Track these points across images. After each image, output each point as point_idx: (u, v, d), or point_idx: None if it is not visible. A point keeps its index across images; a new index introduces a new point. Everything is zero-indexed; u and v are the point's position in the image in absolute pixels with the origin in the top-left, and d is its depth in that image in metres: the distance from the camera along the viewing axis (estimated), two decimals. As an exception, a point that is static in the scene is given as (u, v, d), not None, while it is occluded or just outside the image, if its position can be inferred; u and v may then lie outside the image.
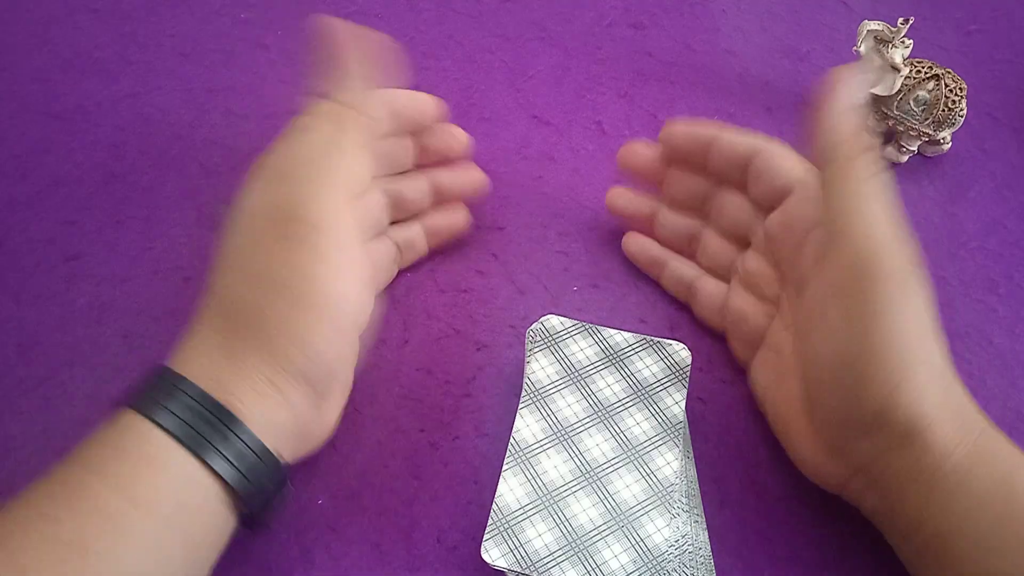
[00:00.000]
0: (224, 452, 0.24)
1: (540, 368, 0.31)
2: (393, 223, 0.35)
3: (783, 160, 0.31)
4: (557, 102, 0.44)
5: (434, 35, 0.47)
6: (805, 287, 0.28)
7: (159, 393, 0.24)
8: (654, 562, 0.26)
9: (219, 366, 0.25)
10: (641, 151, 0.35)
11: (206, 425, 0.23)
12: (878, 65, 0.39)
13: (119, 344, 0.34)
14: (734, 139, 0.32)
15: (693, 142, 0.33)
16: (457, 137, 0.35)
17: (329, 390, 0.28)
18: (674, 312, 0.36)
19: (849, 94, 0.28)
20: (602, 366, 0.31)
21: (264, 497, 0.25)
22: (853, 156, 0.27)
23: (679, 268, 0.35)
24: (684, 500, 0.29)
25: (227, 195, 0.39)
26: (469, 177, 0.36)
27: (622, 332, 0.32)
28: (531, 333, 0.32)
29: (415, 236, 0.35)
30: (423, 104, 0.33)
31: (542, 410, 0.30)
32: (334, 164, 0.28)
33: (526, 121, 0.43)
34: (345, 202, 0.27)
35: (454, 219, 0.36)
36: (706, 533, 0.29)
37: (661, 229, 0.36)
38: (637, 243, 0.36)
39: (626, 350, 0.31)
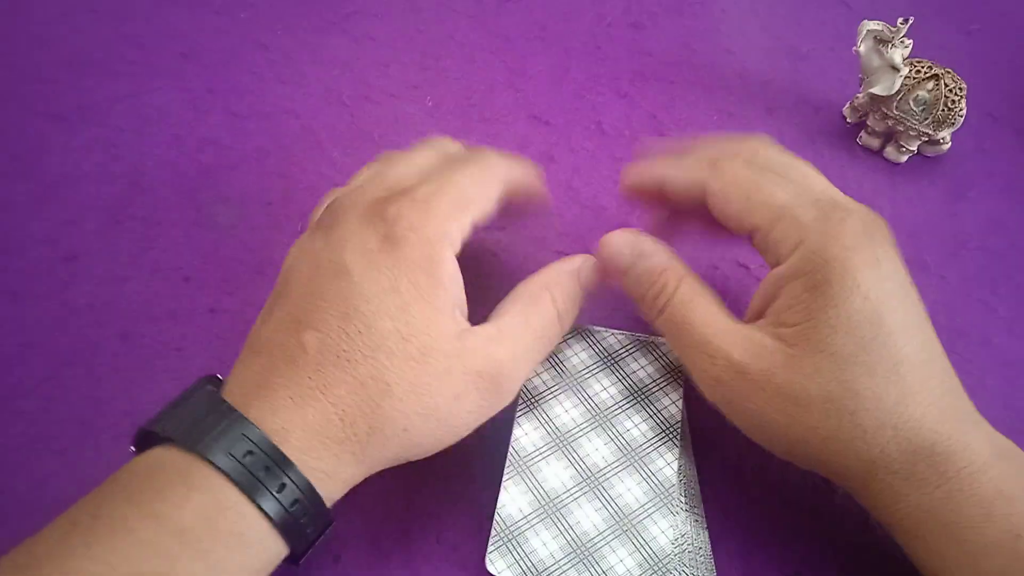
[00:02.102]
0: (275, 494, 0.23)
1: (535, 375, 0.31)
2: None
3: (731, 206, 0.28)
4: (557, 102, 0.44)
5: (434, 35, 0.47)
6: None
7: (224, 438, 0.22)
8: (660, 564, 0.26)
9: (331, 463, 0.24)
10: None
11: (268, 474, 0.22)
12: (878, 65, 0.39)
13: (119, 344, 0.34)
14: (679, 181, 0.30)
15: (649, 184, 0.31)
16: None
17: None
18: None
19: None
20: (597, 369, 0.31)
21: (309, 537, 0.24)
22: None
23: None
24: (684, 499, 0.29)
25: (227, 194, 0.39)
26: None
27: (615, 332, 0.32)
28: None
29: None
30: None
31: (539, 417, 0.30)
32: (544, 350, 0.29)
33: (526, 121, 0.43)
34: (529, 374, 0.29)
35: None
36: (706, 532, 0.29)
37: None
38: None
39: (620, 351, 0.31)
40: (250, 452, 0.22)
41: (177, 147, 0.41)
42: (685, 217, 0.33)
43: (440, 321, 0.25)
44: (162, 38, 0.46)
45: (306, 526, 0.23)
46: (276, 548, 0.23)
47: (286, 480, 0.23)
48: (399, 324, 0.25)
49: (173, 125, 0.42)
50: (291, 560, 0.25)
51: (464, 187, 0.27)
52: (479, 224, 0.28)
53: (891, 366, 0.25)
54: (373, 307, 0.25)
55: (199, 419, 0.23)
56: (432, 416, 0.25)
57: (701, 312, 0.27)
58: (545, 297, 0.28)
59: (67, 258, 0.36)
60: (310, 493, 0.23)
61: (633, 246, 0.29)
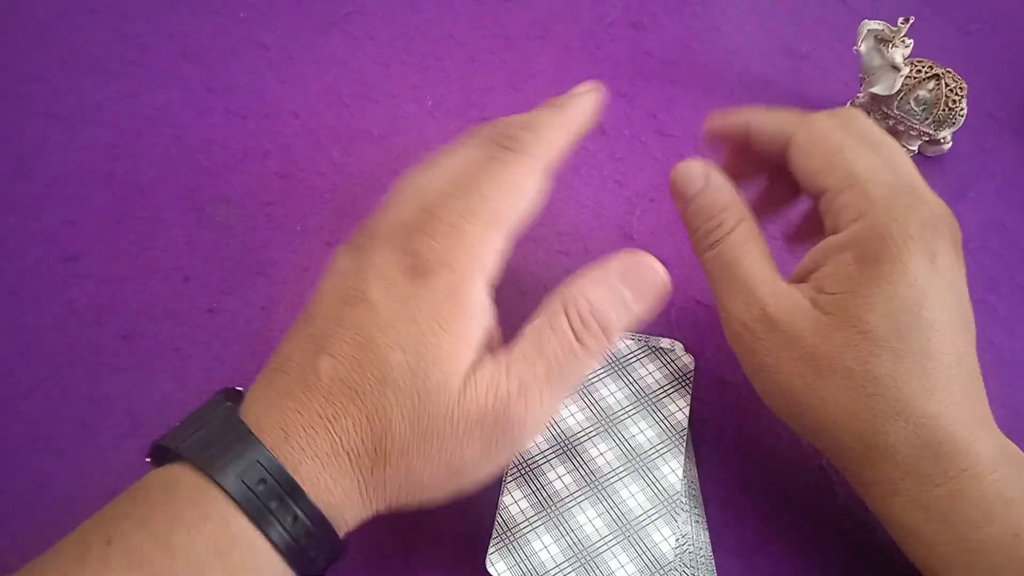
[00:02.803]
0: (286, 525, 0.22)
1: None
2: None
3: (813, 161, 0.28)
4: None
5: (434, 35, 0.47)
6: None
7: (238, 462, 0.22)
8: (662, 571, 0.26)
9: (339, 495, 0.23)
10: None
11: (281, 505, 0.22)
12: (878, 64, 0.39)
13: (119, 344, 0.34)
14: (766, 127, 0.29)
15: (733, 129, 0.31)
16: None
17: None
18: (675, 312, 0.36)
19: None
20: (604, 374, 0.31)
21: (318, 567, 0.24)
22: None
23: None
24: (685, 500, 0.29)
25: (227, 194, 0.39)
26: None
27: (624, 337, 0.32)
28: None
29: None
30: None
31: None
32: (566, 392, 0.25)
33: (526, 121, 0.43)
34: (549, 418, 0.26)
35: None
36: (707, 533, 0.29)
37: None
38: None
39: (628, 356, 0.31)
40: (263, 480, 0.22)
41: (177, 147, 0.41)
42: (756, 170, 0.31)
43: (456, 354, 0.23)
44: (162, 38, 0.46)
45: (316, 558, 0.23)
46: (281, 570, 0.23)
47: (298, 512, 0.22)
48: (409, 356, 0.23)
49: (173, 125, 0.42)
50: None
51: (495, 201, 0.25)
52: (518, 232, 0.26)
53: (920, 359, 0.24)
54: (388, 338, 0.23)
55: (215, 439, 0.23)
56: (434, 460, 0.23)
57: (750, 258, 0.27)
58: (561, 317, 0.24)
59: (67, 258, 0.36)
60: (320, 523, 0.23)
61: (705, 175, 0.28)
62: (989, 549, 0.23)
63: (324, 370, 0.23)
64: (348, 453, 0.23)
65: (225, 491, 0.21)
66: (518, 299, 0.36)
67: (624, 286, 0.25)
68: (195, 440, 0.23)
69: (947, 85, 0.39)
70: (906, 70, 0.39)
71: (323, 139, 0.42)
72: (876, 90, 0.39)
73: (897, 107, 0.40)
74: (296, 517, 0.22)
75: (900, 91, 0.39)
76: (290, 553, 0.22)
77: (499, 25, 0.48)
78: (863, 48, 0.39)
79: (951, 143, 0.42)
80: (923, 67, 0.39)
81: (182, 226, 0.38)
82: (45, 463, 0.31)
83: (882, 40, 0.39)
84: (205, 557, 0.21)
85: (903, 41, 0.38)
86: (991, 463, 0.24)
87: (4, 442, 0.31)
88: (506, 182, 0.25)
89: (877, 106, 0.41)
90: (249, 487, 0.22)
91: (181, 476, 0.22)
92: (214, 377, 0.33)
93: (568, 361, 0.24)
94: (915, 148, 0.41)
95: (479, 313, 0.24)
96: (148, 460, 0.24)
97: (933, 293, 0.25)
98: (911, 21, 0.38)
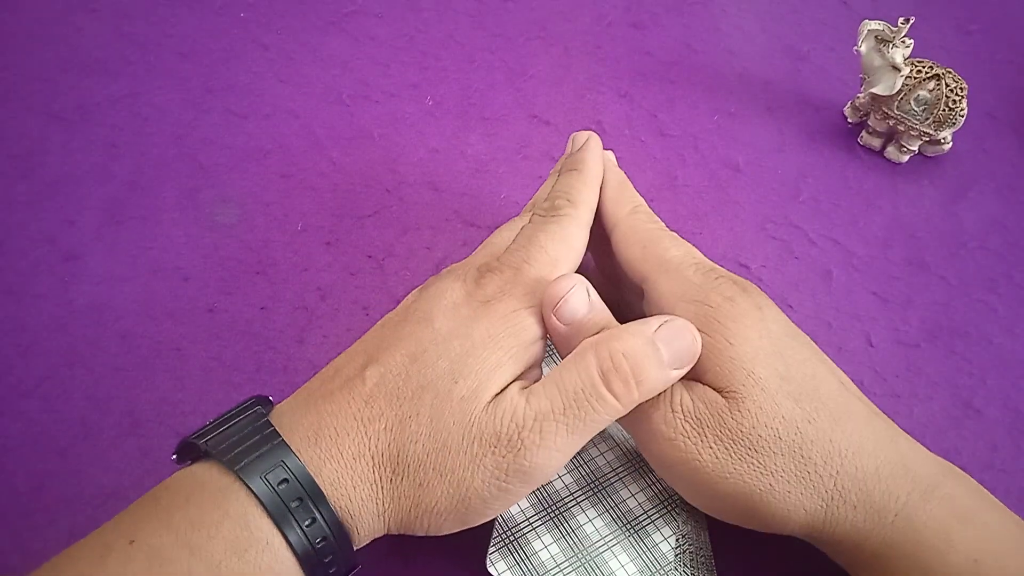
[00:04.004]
0: (304, 527, 0.22)
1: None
2: None
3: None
4: (557, 102, 0.44)
5: (434, 35, 0.47)
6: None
7: (262, 462, 0.22)
8: (662, 571, 0.26)
9: (357, 504, 0.24)
10: None
11: (300, 506, 0.22)
12: (879, 64, 0.39)
13: (118, 344, 0.34)
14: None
15: None
16: None
17: None
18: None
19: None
20: None
21: (334, 571, 0.24)
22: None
23: None
24: (685, 501, 0.29)
25: (227, 194, 0.39)
26: None
27: None
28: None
29: None
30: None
31: None
32: (585, 437, 0.25)
33: (526, 121, 0.43)
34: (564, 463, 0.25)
35: None
36: (706, 533, 0.29)
37: None
38: None
39: None
40: (285, 480, 0.22)
41: (177, 147, 0.41)
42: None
43: (497, 368, 0.24)
44: (162, 38, 0.46)
45: (330, 566, 0.23)
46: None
47: (316, 515, 0.22)
48: (455, 366, 0.24)
49: (173, 125, 0.42)
50: None
51: (551, 250, 0.27)
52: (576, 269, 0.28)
53: (812, 393, 0.25)
54: (440, 349, 0.24)
55: (241, 439, 0.23)
56: (447, 478, 0.23)
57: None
58: (588, 356, 0.24)
59: (67, 258, 0.36)
60: (337, 529, 0.23)
61: (589, 303, 0.26)
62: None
63: (370, 376, 0.24)
64: (373, 457, 0.23)
65: (247, 487, 0.22)
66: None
67: (662, 344, 0.24)
68: (221, 439, 0.23)
69: (947, 85, 0.39)
70: (906, 70, 0.39)
71: (323, 139, 0.42)
72: (876, 90, 0.39)
73: (897, 107, 0.40)
74: (314, 520, 0.22)
75: (900, 91, 0.39)
76: (305, 557, 0.22)
77: (499, 25, 0.48)
78: (863, 48, 0.39)
79: (951, 143, 0.42)
80: (923, 67, 0.39)
81: (182, 226, 0.38)
82: (45, 463, 0.31)
83: (882, 40, 0.39)
84: (223, 557, 0.21)
85: (903, 41, 0.38)
86: (931, 479, 0.24)
87: (4, 442, 0.31)
88: (558, 235, 0.28)
89: (877, 106, 0.41)
90: (271, 486, 0.22)
91: (205, 476, 0.23)
92: (214, 377, 0.33)
93: (589, 402, 0.24)
94: (915, 148, 0.41)
95: (529, 339, 0.25)
96: (173, 457, 0.25)
97: (782, 335, 0.26)
98: (911, 21, 0.38)
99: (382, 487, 0.24)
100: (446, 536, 0.29)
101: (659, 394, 0.25)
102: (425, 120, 0.43)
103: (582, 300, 0.25)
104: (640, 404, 0.25)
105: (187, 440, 0.24)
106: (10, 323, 0.34)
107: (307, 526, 0.22)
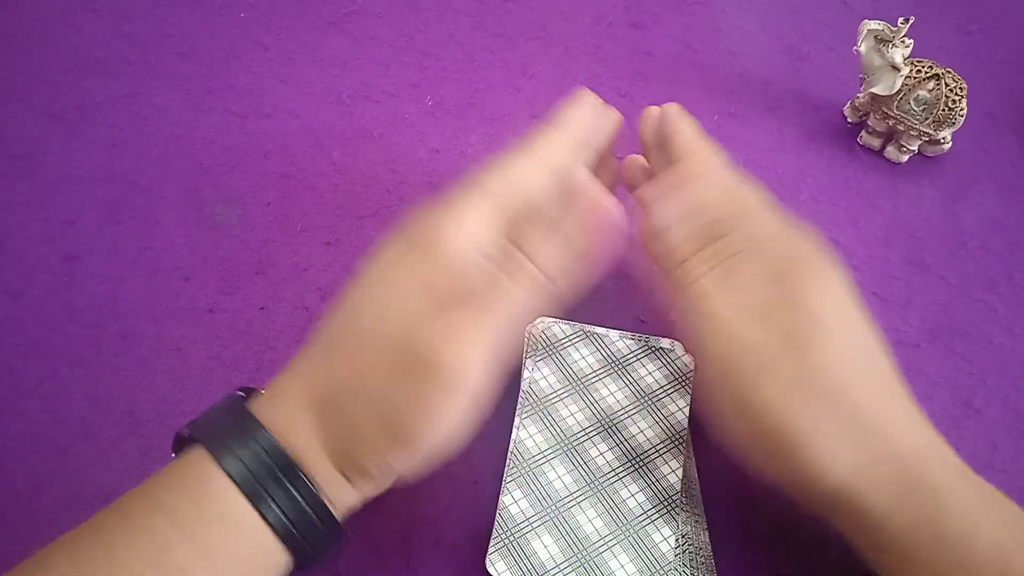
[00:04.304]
0: (283, 507, 0.23)
1: (542, 377, 0.31)
2: None
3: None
4: (557, 101, 0.44)
5: (434, 35, 0.47)
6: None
7: (235, 439, 0.23)
8: (661, 571, 0.26)
9: (304, 447, 0.24)
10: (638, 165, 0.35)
11: (272, 480, 0.23)
12: (878, 64, 0.39)
13: (118, 344, 0.34)
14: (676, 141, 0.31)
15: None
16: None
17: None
18: (675, 312, 0.36)
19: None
20: (604, 374, 0.31)
21: (319, 551, 0.24)
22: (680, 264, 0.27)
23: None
24: (684, 500, 0.29)
25: (227, 194, 0.39)
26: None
27: (624, 337, 0.32)
28: (531, 336, 0.31)
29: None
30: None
31: (545, 420, 0.30)
32: (505, 335, 0.25)
33: (526, 121, 0.43)
34: (494, 369, 0.25)
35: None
36: (706, 533, 0.29)
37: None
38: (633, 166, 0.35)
39: (628, 356, 0.31)
40: (254, 453, 0.23)
41: (177, 147, 0.41)
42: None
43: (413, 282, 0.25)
44: (162, 38, 0.46)
45: (311, 529, 0.23)
46: (277, 550, 0.23)
47: (287, 486, 0.23)
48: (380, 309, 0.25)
49: (173, 125, 0.42)
50: (302, 568, 0.25)
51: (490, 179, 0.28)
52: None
53: (872, 365, 0.26)
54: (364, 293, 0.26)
55: (219, 421, 0.24)
56: (362, 397, 0.24)
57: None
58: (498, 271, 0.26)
59: (67, 258, 0.36)
60: (279, 456, 0.23)
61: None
62: (977, 564, 0.23)
63: (327, 328, 0.26)
64: (310, 398, 0.24)
65: (222, 467, 0.23)
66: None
67: (566, 220, 0.25)
68: (204, 424, 0.24)
69: (947, 85, 0.39)
70: (906, 70, 0.39)
71: (323, 139, 0.42)
72: (876, 90, 0.39)
73: (897, 107, 0.40)
74: (288, 492, 0.23)
75: (900, 91, 0.39)
76: (277, 525, 0.23)
77: (499, 25, 0.48)
78: (863, 48, 0.39)
79: (951, 143, 0.42)
80: (923, 67, 0.39)
81: (182, 226, 0.38)
82: (45, 463, 0.31)
83: (882, 40, 0.39)
84: (199, 516, 0.22)
85: (903, 41, 0.38)
86: (959, 471, 0.25)
87: (4, 442, 0.31)
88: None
89: (877, 106, 0.41)
90: (245, 464, 0.23)
91: (194, 459, 0.23)
92: (214, 377, 0.33)
93: (493, 293, 0.25)
94: (915, 148, 0.41)
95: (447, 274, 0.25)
96: (172, 456, 0.25)
97: (853, 303, 0.26)
98: (911, 21, 0.38)
99: (320, 428, 0.24)
100: (446, 536, 0.29)
101: (731, 318, 0.26)
102: (425, 120, 0.43)
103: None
104: (707, 330, 0.26)
105: (178, 434, 0.25)
106: (10, 323, 0.34)
107: (278, 492, 0.23)
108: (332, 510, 0.24)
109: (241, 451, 0.23)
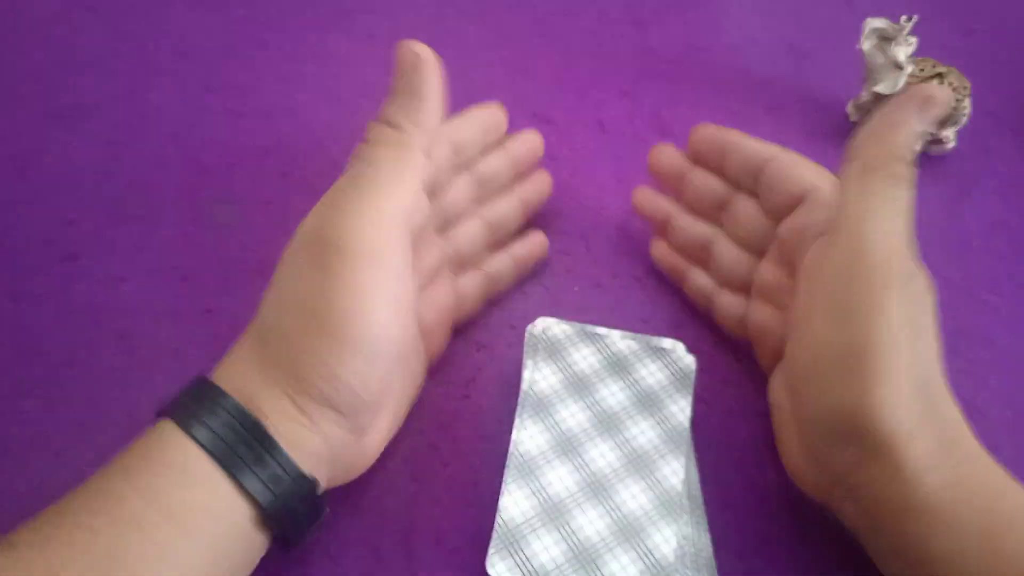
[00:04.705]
0: (257, 472, 0.23)
1: (543, 378, 0.31)
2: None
3: (796, 167, 0.30)
4: (558, 100, 0.44)
5: (434, 33, 0.47)
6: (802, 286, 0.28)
7: (199, 407, 0.24)
8: (663, 573, 0.26)
9: (254, 387, 0.25)
10: (669, 153, 0.35)
11: (242, 445, 0.23)
12: (882, 63, 0.39)
13: (118, 344, 0.34)
14: (750, 144, 0.32)
15: (713, 144, 0.33)
16: (533, 146, 0.36)
17: (368, 422, 0.27)
18: (676, 312, 0.36)
19: (919, 118, 0.27)
20: (606, 374, 0.31)
21: (296, 519, 0.25)
22: (880, 164, 0.26)
23: (699, 279, 0.34)
24: (686, 502, 0.28)
25: (226, 194, 0.39)
26: (539, 187, 0.36)
27: (625, 337, 0.32)
28: (531, 336, 0.31)
29: (504, 267, 0.35)
30: (488, 126, 0.34)
31: (545, 420, 0.30)
32: (383, 193, 0.27)
33: (527, 120, 0.43)
34: (390, 231, 0.27)
35: (535, 246, 0.36)
36: (708, 535, 0.29)
37: (676, 233, 0.35)
38: (661, 250, 0.36)
39: (629, 357, 0.31)
40: (217, 415, 0.24)
41: (176, 146, 0.41)
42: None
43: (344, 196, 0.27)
44: (161, 37, 0.46)
45: (276, 482, 0.24)
46: (245, 511, 0.24)
47: (261, 452, 0.24)
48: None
49: (173, 124, 0.42)
50: (283, 545, 0.25)
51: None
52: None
53: (927, 334, 0.26)
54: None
55: (184, 393, 0.25)
56: (285, 300, 0.26)
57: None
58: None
59: (66, 258, 0.36)
60: (241, 413, 0.24)
61: None
62: (1015, 521, 0.23)
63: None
64: (252, 345, 0.26)
65: (189, 434, 0.24)
66: (519, 298, 0.36)
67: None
68: (171, 400, 0.25)
69: (950, 84, 0.38)
70: (909, 69, 0.38)
71: (323, 139, 0.42)
72: (879, 89, 0.39)
73: (900, 106, 0.40)
74: (261, 457, 0.24)
75: (903, 90, 0.39)
76: (252, 488, 0.24)
77: (499, 24, 0.48)
78: (866, 46, 0.39)
79: (954, 142, 0.41)
80: (926, 66, 0.39)
81: (181, 226, 0.38)
82: (45, 463, 0.31)
83: (885, 38, 0.39)
84: (170, 486, 0.23)
85: (906, 39, 0.38)
86: (976, 441, 0.25)
87: (4, 442, 0.31)
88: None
89: (880, 105, 0.41)
90: (213, 430, 0.24)
91: (160, 429, 0.24)
92: (213, 377, 0.33)
93: (368, 167, 0.28)
94: (918, 147, 0.41)
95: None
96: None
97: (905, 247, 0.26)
98: (914, 19, 0.38)
99: (259, 365, 0.25)
100: (446, 536, 0.29)
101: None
102: (425, 119, 0.43)
103: None
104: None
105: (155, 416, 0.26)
106: (10, 323, 0.34)
107: (254, 466, 0.24)
108: (298, 464, 0.24)
109: (209, 419, 0.24)
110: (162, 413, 0.25)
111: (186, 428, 0.23)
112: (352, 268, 0.25)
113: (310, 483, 0.25)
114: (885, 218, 0.25)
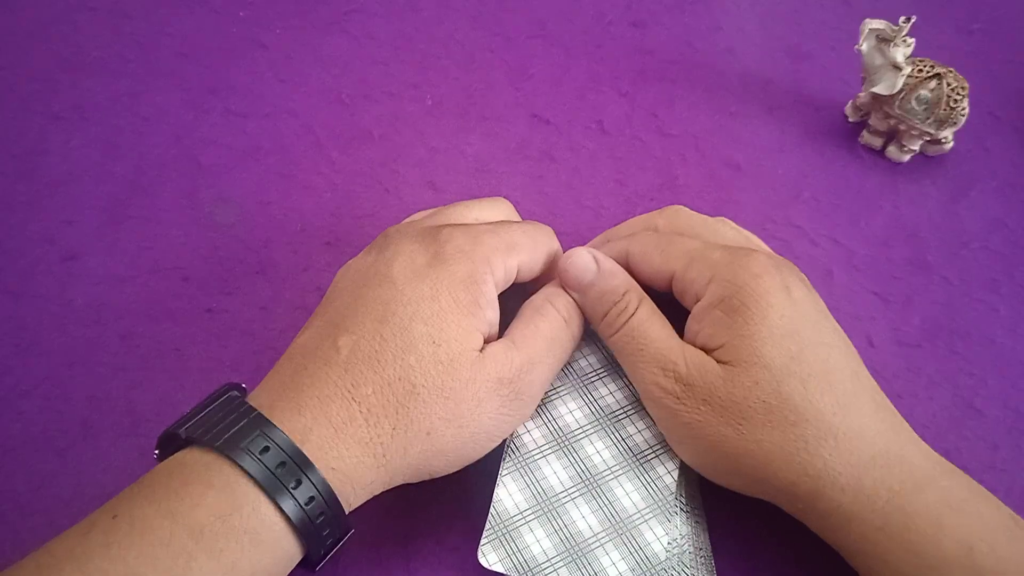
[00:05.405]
0: (291, 491, 0.23)
1: None
2: None
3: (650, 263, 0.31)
4: (557, 101, 0.44)
5: (434, 35, 0.47)
6: None
7: (242, 436, 0.23)
8: (653, 570, 0.26)
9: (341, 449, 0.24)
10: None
11: (284, 470, 0.23)
12: (880, 64, 0.39)
13: (118, 344, 0.34)
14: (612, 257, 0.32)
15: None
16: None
17: None
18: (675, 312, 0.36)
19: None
20: (604, 372, 0.31)
21: (325, 541, 0.24)
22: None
23: None
24: (683, 500, 0.29)
25: (226, 194, 0.39)
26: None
27: None
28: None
29: None
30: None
31: (543, 416, 0.30)
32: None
33: (526, 120, 0.43)
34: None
35: None
36: (707, 533, 0.29)
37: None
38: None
39: None
40: (267, 448, 0.23)
41: (177, 147, 0.41)
42: None
43: (471, 334, 0.26)
44: (161, 37, 0.46)
45: (322, 528, 0.24)
46: (291, 549, 0.23)
47: (303, 478, 0.23)
48: (432, 329, 0.26)
49: (173, 125, 0.42)
50: (307, 565, 0.25)
51: (515, 236, 0.29)
52: (524, 273, 0.30)
53: (822, 376, 0.26)
54: (410, 311, 0.26)
55: (219, 420, 0.24)
56: (454, 421, 0.26)
57: (655, 329, 0.28)
58: (548, 307, 0.30)
59: (67, 258, 0.36)
60: (327, 493, 0.23)
61: (595, 262, 0.30)
62: (948, 564, 0.23)
63: (344, 346, 0.25)
64: (366, 419, 0.24)
65: (230, 460, 0.22)
66: (521, 297, 0.36)
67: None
68: (200, 423, 0.24)
69: (948, 84, 0.39)
70: (907, 69, 0.39)
71: (323, 138, 0.42)
72: (877, 89, 0.39)
73: (898, 107, 0.40)
74: (300, 482, 0.23)
75: (901, 90, 0.39)
76: (296, 519, 0.23)
77: (499, 25, 0.48)
78: (864, 47, 0.39)
79: (952, 143, 0.42)
80: (924, 66, 0.39)
81: (182, 226, 0.38)
82: (45, 463, 0.31)
83: (883, 39, 0.39)
84: (207, 522, 0.22)
85: (904, 40, 0.38)
86: (927, 472, 0.25)
87: (4, 442, 0.31)
88: (527, 230, 0.30)
89: (878, 106, 0.41)
90: (253, 455, 0.23)
91: (187, 457, 0.23)
92: (213, 377, 0.33)
93: (561, 337, 0.29)
94: (916, 148, 0.41)
95: (488, 306, 0.27)
96: (156, 454, 0.25)
97: (804, 317, 0.27)
98: (912, 20, 0.38)
99: (381, 443, 0.25)
100: (446, 536, 0.29)
101: (654, 357, 0.28)
102: (425, 120, 0.43)
103: (587, 265, 0.30)
104: (638, 365, 0.28)
105: (167, 432, 0.24)
106: (10, 323, 0.34)
107: (294, 488, 0.23)
108: (349, 493, 0.24)
109: (246, 442, 0.23)
110: (205, 443, 0.23)
111: (263, 488, 0.22)
112: (526, 413, 0.28)
113: (341, 508, 0.24)
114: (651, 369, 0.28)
